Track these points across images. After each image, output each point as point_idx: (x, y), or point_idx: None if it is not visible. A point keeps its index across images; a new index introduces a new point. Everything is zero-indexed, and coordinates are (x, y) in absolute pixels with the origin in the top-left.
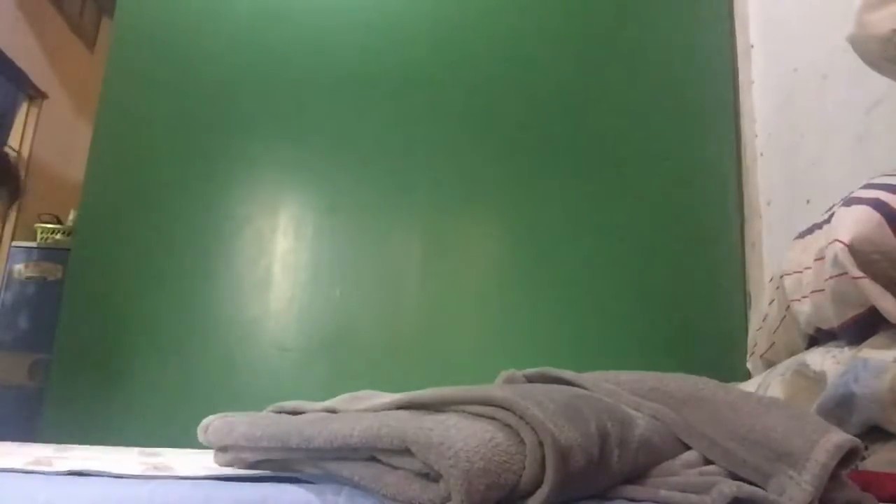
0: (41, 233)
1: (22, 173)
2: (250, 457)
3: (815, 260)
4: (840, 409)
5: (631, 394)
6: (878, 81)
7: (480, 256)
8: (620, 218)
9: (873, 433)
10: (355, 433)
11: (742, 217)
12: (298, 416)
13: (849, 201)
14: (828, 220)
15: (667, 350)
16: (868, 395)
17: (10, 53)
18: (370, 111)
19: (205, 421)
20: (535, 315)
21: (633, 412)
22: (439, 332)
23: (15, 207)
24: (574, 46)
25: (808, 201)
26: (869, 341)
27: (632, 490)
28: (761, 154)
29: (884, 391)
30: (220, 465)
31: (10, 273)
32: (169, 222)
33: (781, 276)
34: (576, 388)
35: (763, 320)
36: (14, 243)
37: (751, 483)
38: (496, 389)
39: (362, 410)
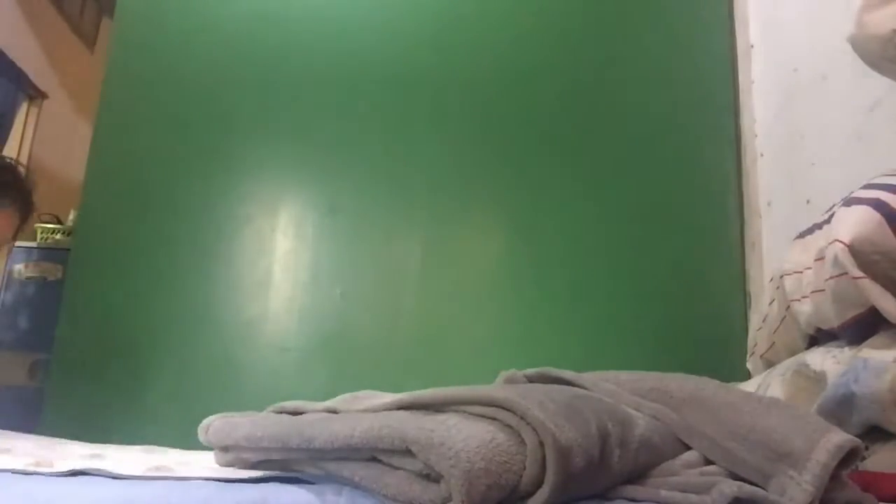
0: (41, 233)
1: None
2: (251, 457)
3: (816, 260)
4: (840, 409)
5: (631, 394)
6: (878, 81)
7: (481, 256)
8: (620, 218)
9: (873, 433)
10: (356, 433)
11: (742, 217)
12: (299, 417)
13: (849, 201)
14: (828, 221)
15: (667, 350)
16: (868, 396)
17: (10, 53)
18: (371, 111)
19: (205, 421)
20: (535, 315)
21: (633, 412)
22: (440, 332)
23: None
24: (574, 47)
25: (808, 201)
26: (869, 341)
27: (632, 490)
28: (761, 154)
29: (884, 391)
30: (221, 465)
31: (10, 273)
32: (169, 222)
33: (781, 276)
34: (576, 389)
35: (763, 320)
36: (14, 243)
37: (751, 483)
38: (497, 390)
39: (363, 411)
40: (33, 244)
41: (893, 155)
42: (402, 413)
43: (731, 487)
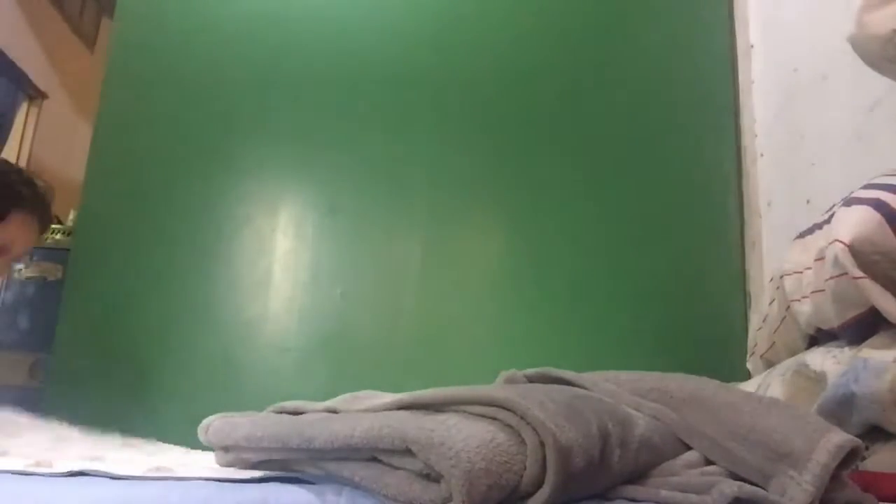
0: None
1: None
2: (251, 457)
3: (816, 260)
4: (840, 409)
5: (631, 394)
6: (878, 81)
7: (481, 256)
8: (620, 218)
9: (873, 433)
10: (356, 433)
11: (742, 217)
12: (299, 417)
13: (849, 201)
14: (828, 221)
15: (667, 350)
16: (868, 396)
17: (10, 53)
18: (371, 111)
19: (205, 421)
20: (535, 315)
21: (633, 412)
22: (440, 331)
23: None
24: (574, 47)
25: (808, 201)
26: (869, 341)
27: (632, 490)
28: (761, 154)
29: (884, 391)
30: (222, 465)
31: (10, 273)
32: (169, 222)
33: (781, 277)
34: (576, 389)
35: (763, 320)
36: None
37: (752, 483)
38: (497, 390)
39: (363, 411)
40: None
41: (893, 155)
42: (402, 413)
43: (732, 487)
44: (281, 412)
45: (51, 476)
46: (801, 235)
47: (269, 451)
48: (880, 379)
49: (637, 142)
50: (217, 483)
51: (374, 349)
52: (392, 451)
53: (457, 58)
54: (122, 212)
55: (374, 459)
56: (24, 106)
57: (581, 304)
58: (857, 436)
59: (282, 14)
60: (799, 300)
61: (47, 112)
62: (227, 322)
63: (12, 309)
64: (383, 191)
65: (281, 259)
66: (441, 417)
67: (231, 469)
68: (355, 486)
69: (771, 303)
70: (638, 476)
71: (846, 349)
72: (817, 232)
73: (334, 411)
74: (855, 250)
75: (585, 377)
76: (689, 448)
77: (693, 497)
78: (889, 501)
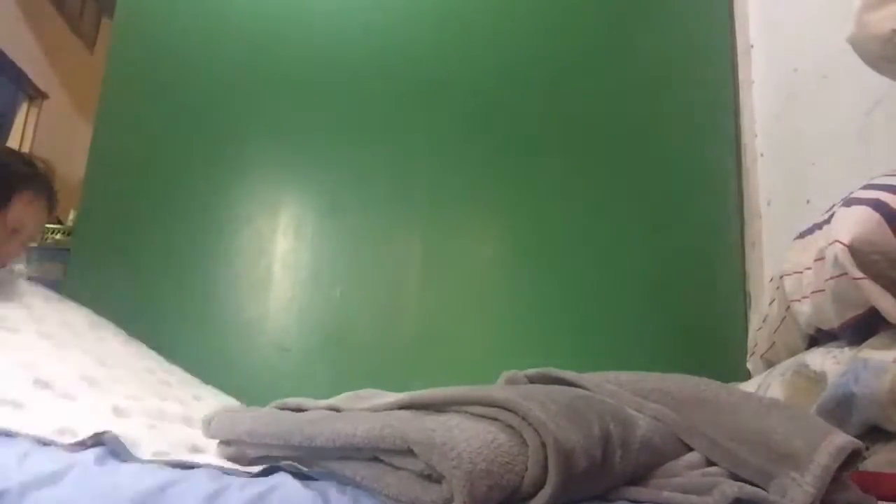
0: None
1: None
2: (253, 452)
3: (816, 260)
4: (840, 409)
5: (632, 395)
6: (878, 81)
7: (481, 256)
8: (620, 218)
9: (873, 433)
10: (358, 433)
11: (742, 217)
12: (301, 414)
13: (849, 201)
14: (828, 221)
15: (667, 350)
16: (868, 396)
17: (10, 53)
18: (371, 111)
19: (208, 415)
20: (536, 316)
21: (634, 413)
22: (440, 332)
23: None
24: (574, 47)
25: (808, 201)
26: (869, 342)
27: (634, 491)
28: (761, 154)
29: (884, 391)
30: (223, 457)
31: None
32: (169, 222)
33: (781, 277)
34: (578, 389)
35: (763, 320)
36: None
37: (753, 484)
38: (498, 390)
39: (364, 410)
40: (33, 244)
41: (893, 155)
42: (403, 413)
43: (733, 488)
44: (283, 409)
45: (68, 448)
46: (801, 235)
47: (271, 448)
48: (880, 379)
49: (637, 142)
50: (224, 475)
51: (373, 349)
52: (393, 452)
53: (457, 60)
54: (122, 212)
55: (376, 459)
56: (24, 106)
57: (581, 305)
58: (856, 436)
59: (282, 15)
60: (799, 300)
61: (47, 112)
62: (228, 321)
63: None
64: (383, 191)
65: (281, 259)
66: (442, 418)
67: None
68: (357, 486)
69: (771, 303)
70: (639, 477)
71: (846, 349)
72: (817, 232)
73: (336, 410)
74: (855, 250)
75: (587, 378)
76: (690, 449)
77: (694, 498)
78: (889, 501)
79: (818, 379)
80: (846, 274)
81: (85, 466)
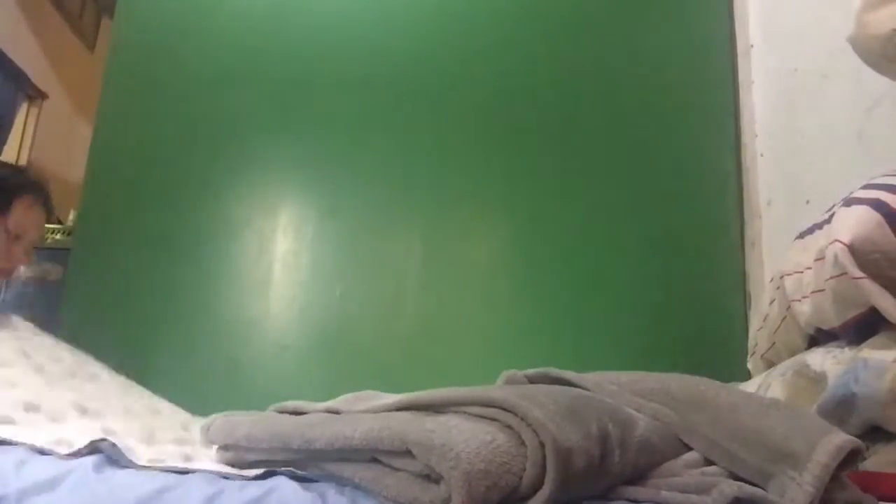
0: None
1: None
2: (252, 457)
3: (816, 260)
4: (840, 409)
5: (632, 394)
6: (878, 81)
7: (481, 256)
8: (620, 218)
9: (873, 433)
10: (356, 435)
11: (742, 217)
12: (300, 417)
13: (849, 201)
14: (828, 221)
15: (667, 350)
16: (868, 396)
17: (10, 53)
18: (371, 110)
19: (207, 420)
20: (536, 316)
21: (633, 413)
22: (440, 332)
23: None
24: (574, 46)
25: (807, 201)
26: (869, 341)
27: (633, 491)
28: (761, 154)
29: (884, 391)
30: (222, 463)
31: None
32: (169, 222)
33: (782, 277)
34: (577, 389)
35: (763, 320)
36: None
37: (752, 484)
38: (497, 390)
39: (363, 412)
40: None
41: (893, 155)
42: (402, 414)
43: (732, 488)
44: (282, 412)
45: (65, 457)
46: (801, 235)
47: (270, 452)
48: (880, 379)
49: (637, 142)
50: (224, 479)
51: (373, 349)
52: (392, 453)
53: (457, 60)
54: (122, 212)
55: (375, 461)
56: (24, 106)
57: (581, 305)
58: (857, 436)
59: (282, 15)
60: (799, 300)
61: (47, 112)
62: (228, 321)
63: (12, 309)
64: (383, 191)
65: (281, 259)
66: (441, 419)
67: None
68: (356, 487)
69: (771, 303)
70: (638, 476)
71: (846, 349)
72: (817, 232)
73: (335, 412)
74: (855, 250)
75: (586, 378)
76: (689, 448)
77: (693, 497)
78: (889, 501)
79: (818, 379)
80: (846, 274)
81: (82, 472)
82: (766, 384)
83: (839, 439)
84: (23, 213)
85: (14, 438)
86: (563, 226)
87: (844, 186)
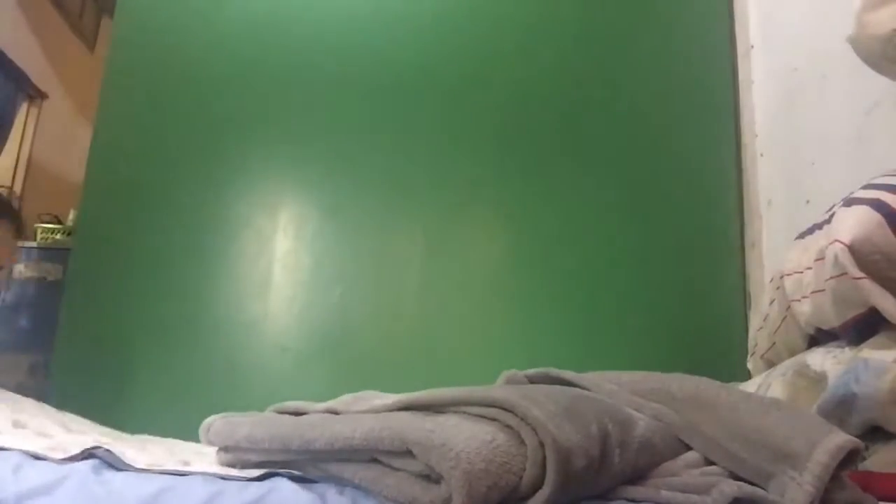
0: (41, 233)
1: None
2: (252, 458)
3: (816, 260)
4: (841, 409)
5: (632, 394)
6: (878, 82)
7: (481, 257)
8: (620, 218)
9: (873, 433)
10: (356, 435)
11: (742, 217)
12: (300, 418)
13: (849, 201)
14: (828, 221)
15: (667, 350)
16: (869, 396)
17: (10, 53)
18: (371, 111)
19: (206, 421)
20: (536, 315)
21: (633, 413)
22: (440, 332)
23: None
24: (574, 47)
25: (807, 201)
26: (869, 341)
27: (633, 491)
28: (761, 154)
29: (884, 391)
30: (223, 464)
31: (10, 273)
32: (169, 222)
33: (782, 277)
34: (577, 389)
35: (764, 320)
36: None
37: (752, 483)
38: (497, 390)
39: (363, 412)
40: (33, 244)
41: (893, 155)
42: (402, 414)
43: (732, 487)
44: (282, 413)
45: (62, 461)
46: (802, 236)
47: (270, 453)
48: (880, 379)
49: (637, 142)
50: (222, 480)
51: (373, 349)
52: (392, 453)
53: (458, 60)
54: (122, 212)
55: (375, 461)
56: (24, 106)
57: (581, 305)
58: (857, 436)
59: (282, 15)
60: (799, 300)
61: (47, 112)
62: (228, 322)
63: (12, 309)
64: (383, 191)
65: (281, 259)
66: (441, 419)
67: (233, 468)
68: (356, 488)
69: (771, 303)
70: (638, 476)
71: (846, 349)
72: (817, 232)
73: (335, 412)
74: (855, 250)
75: (586, 377)
76: (689, 448)
77: (693, 497)
78: (889, 501)
79: (819, 379)
80: (846, 274)
81: (81, 476)
82: (767, 384)
83: (839, 439)
84: None
85: (8, 445)
86: (563, 226)
87: (844, 186)
